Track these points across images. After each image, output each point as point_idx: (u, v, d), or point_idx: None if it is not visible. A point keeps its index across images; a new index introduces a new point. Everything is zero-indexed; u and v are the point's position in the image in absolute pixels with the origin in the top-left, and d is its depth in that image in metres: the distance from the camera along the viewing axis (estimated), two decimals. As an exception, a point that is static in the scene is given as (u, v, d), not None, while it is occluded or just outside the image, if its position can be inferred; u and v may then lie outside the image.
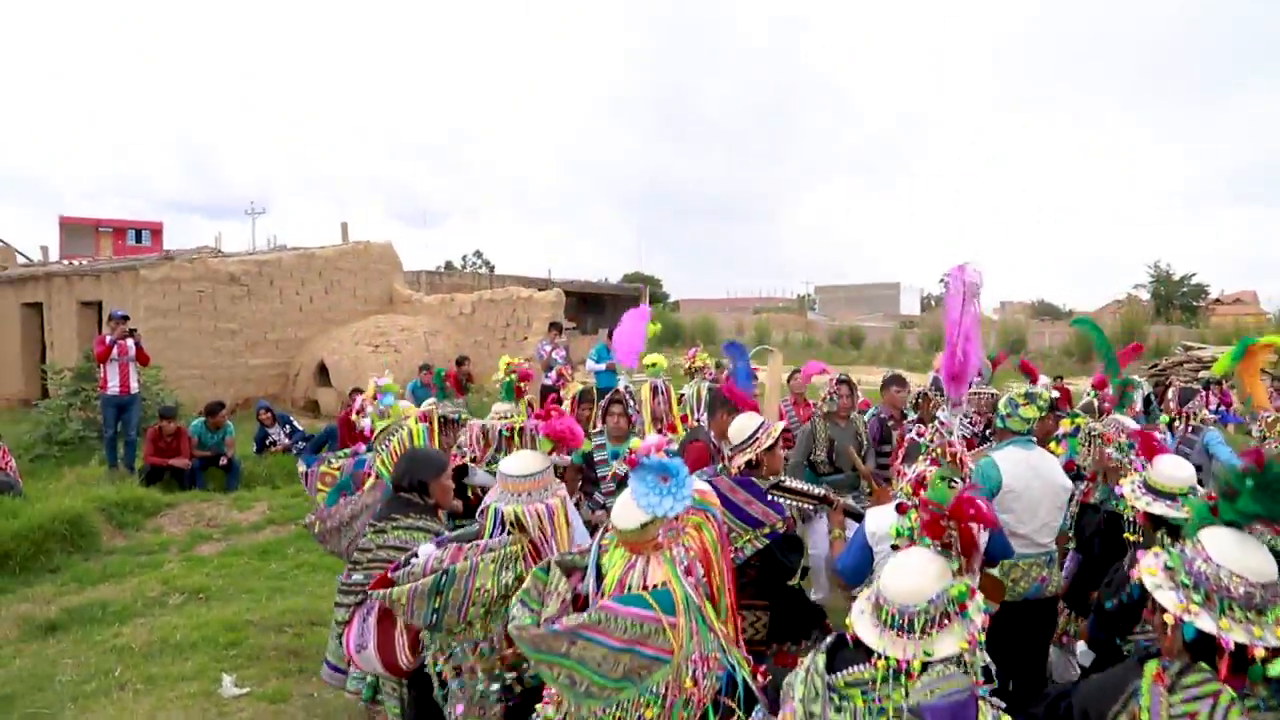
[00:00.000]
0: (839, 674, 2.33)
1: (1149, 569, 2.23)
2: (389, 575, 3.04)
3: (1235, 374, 6.71)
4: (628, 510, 2.63)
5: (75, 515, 7.71)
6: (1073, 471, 5.03)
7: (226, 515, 8.88)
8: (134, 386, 10.35)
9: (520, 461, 3.25)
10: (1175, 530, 3.40)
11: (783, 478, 4.16)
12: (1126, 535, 3.97)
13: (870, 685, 2.24)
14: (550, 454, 3.35)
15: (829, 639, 2.52)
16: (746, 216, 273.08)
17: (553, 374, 11.55)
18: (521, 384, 6.67)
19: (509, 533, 3.10)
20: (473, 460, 4.99)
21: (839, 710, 2.28)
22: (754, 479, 3.91)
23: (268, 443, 11.63)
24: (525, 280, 24.47)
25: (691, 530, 2.77)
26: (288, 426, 11.91)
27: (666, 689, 2.47)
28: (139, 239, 31.83)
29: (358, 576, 3.41)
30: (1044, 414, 4.58)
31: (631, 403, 5.72)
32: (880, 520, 3.39)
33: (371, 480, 4.45)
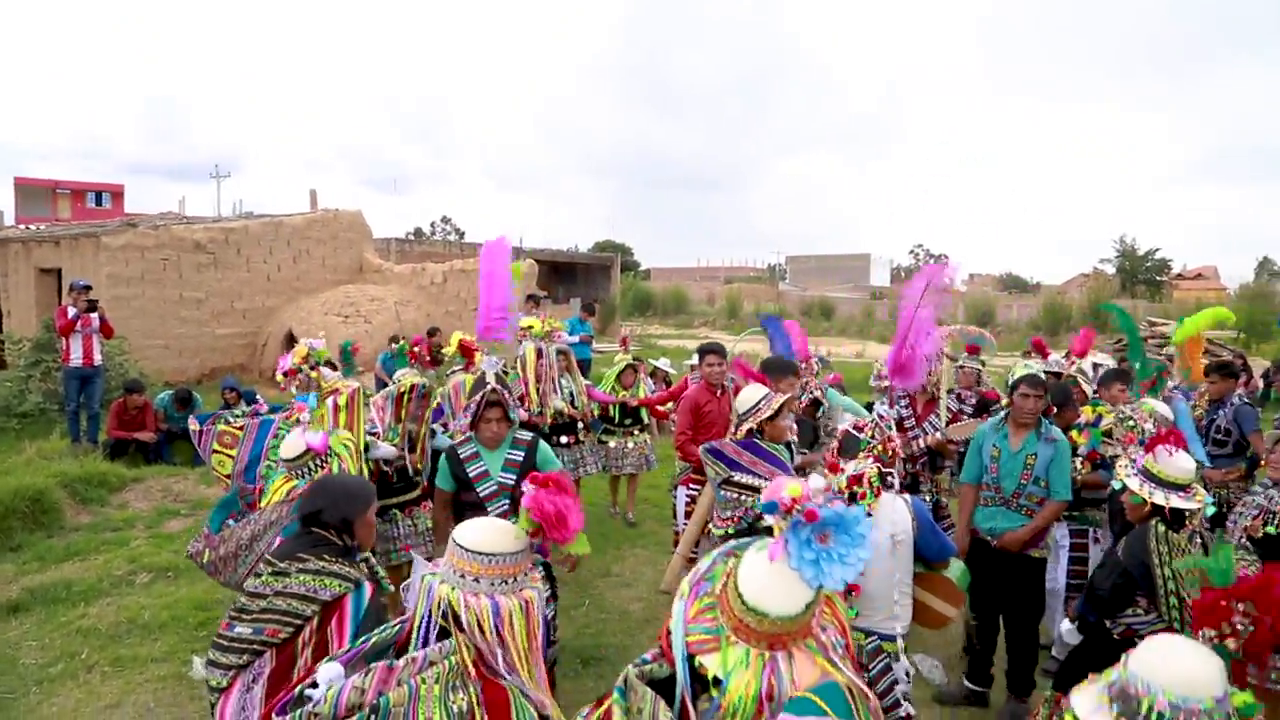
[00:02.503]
0: None
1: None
2: (274, 716, 2.11)
3: (1180, 347, 6.88)
4: (784, 585, 1.86)
5: (37, 491, 7.53)
6: (1096, 461, 5.06)
7: (194, 490, 8.75)
8: (97, 358, 10.12)
9: (481, 530, 2.22)
10: (1178, 518, 3.48)
11: (732, 474, 4.32)
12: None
13: None
14: (532, 536, 2.28)
15: None
16: (720, 186, 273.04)
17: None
18: (414, 350, 7.07)
19: (436, 624, 2.16)
20: (374, 435, 4.86)
21: None
22: (758, 443, 4.09)
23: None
24: (497, 249, 24.20)
25: (825, 600, 2.07)
26: (254, 404, 11.69)
27: None
28: (99, 201, 31.13)
29: (244, 630, 2.61)
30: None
31: (511, 399, 4.88)
32: None
33: (283, 489, 3.73)
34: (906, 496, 3.57)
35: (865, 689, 1.92)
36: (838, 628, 2.04)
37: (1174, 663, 1.86)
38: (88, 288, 10.18)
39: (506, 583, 2.17)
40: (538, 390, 7.00)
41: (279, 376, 4.66)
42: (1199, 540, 3.55)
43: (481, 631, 2.08)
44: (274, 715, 2.08)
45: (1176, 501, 3.47)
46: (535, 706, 2.12)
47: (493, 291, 6.24)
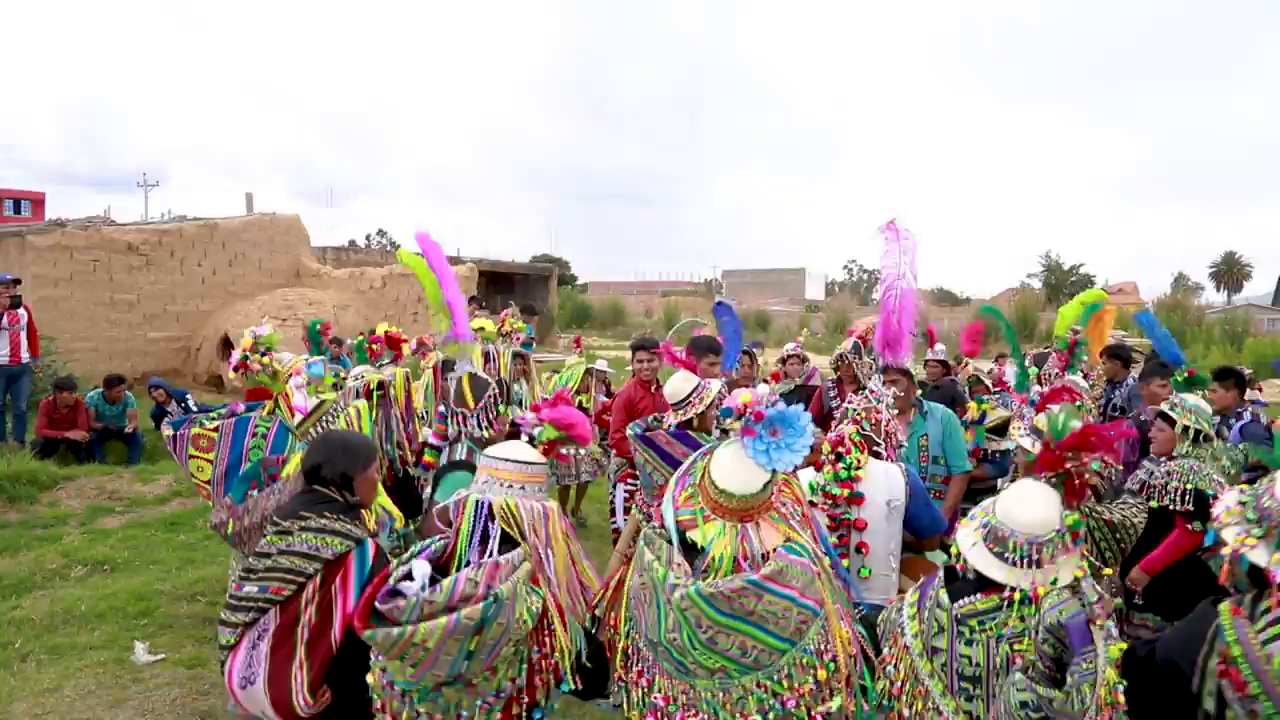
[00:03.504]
0: (956, 605, 2.37)
1: (1225, 509, 2.25)
2: (379, 606, 2.19)
3: (1086, 336, 7.20)
4: (745, 471, 2.35)
5: (-42, 489, 7.31)
6: (981, 456, 5.25)
7: (129, 488, 8.55)
8: (24, 356, 9.82)
9: (514, 447, 2.55)
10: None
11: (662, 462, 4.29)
12: None
13: (988, 615, 2.31)
14: (549, 450, 2.69)
15: (937, 575, 2.51)
16: (657, 201, 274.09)
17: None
18: (374, 346, 6.82)
19: (498, 531, 2.37)
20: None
21: (969, 643, 2.33)
22: (690, 433, 4.04)
23: (166, 419, 11.14)
24: (436, 257, 23.98)
25: (781, 484, 2.53)
26: (184, 404, 11.43)
27: (825, 645, 2.29)
28: (18, 209, 30.01)
29: (250, 589, 2.65)
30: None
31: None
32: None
33: (296, 467, 3.69)
34: (902, 465, 3.57)
35: (819, 551, 2.45)
36: (794, 500, 2.56)
37: (1028, 507, 2.36)
38: (16, 281, 9.87)
39: (541, 489, 2.48)
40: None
41: (230, 374, 4.45)
42: (1091, 497, 3.71)
43: (535, 532, 2.37)
44: (377, 603, 2.19)
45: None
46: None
47: (452, 287, 5.88)
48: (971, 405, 5.43)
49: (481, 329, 7.03)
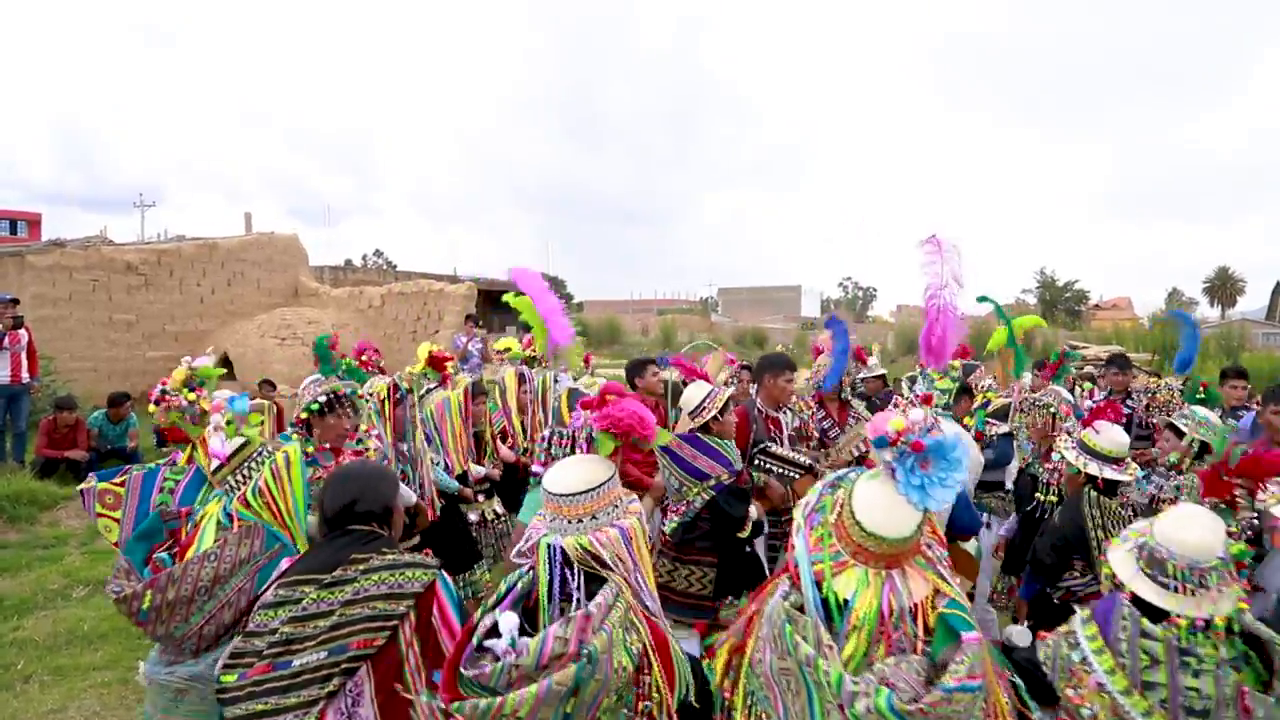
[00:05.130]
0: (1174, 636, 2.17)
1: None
2: (464, 671, 1.95)
3: (995, 353, 7.26)
4: (897, 511, 2.03)
5: (-42, 509, 7.29)
6: (981, 442, 5.33)
7: (130, 508, 8.50)
8: (24, 376, 9.81)
9: (570, 472, 2.22)
10: (1111, 489, 3.70)
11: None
12: (1037, 495, 4.28)
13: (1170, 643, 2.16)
14: (614, 457, 2.34)
15: (1117, 600, 2.31)
16: (650, 219, 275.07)
17: (468, 366, 11.50)
18: (362, 358, 6.43)
19: (580, 573, 2.12)
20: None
21: (1197, 674, 2.14)
22: (700, 437, 4.17)
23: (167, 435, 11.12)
24: (432, 277, 24.11)
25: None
26: None
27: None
28: (14, 230, 30.09)
29: (310, 658, 2.24)
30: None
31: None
32: None
33: (214, 521, 3.13)
34: None
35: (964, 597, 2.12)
36: (939, 541, 2.21)
37: (1189, 529, 2.23)
38: (14, 301, 9.87)
39: (616, 508, 2.20)
40: (522, 423, 5.95)
41: (150, 407, 3.78)
42: (1130, 510, 3.78)
43: (621, 561, 2.11)
44: (460, 668, 1.97)
45: (1110, 473, 3.70)
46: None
47: (546, 300, 5.60)
48: (977, 396, 5.55)
49: (508, 349, 6.92)
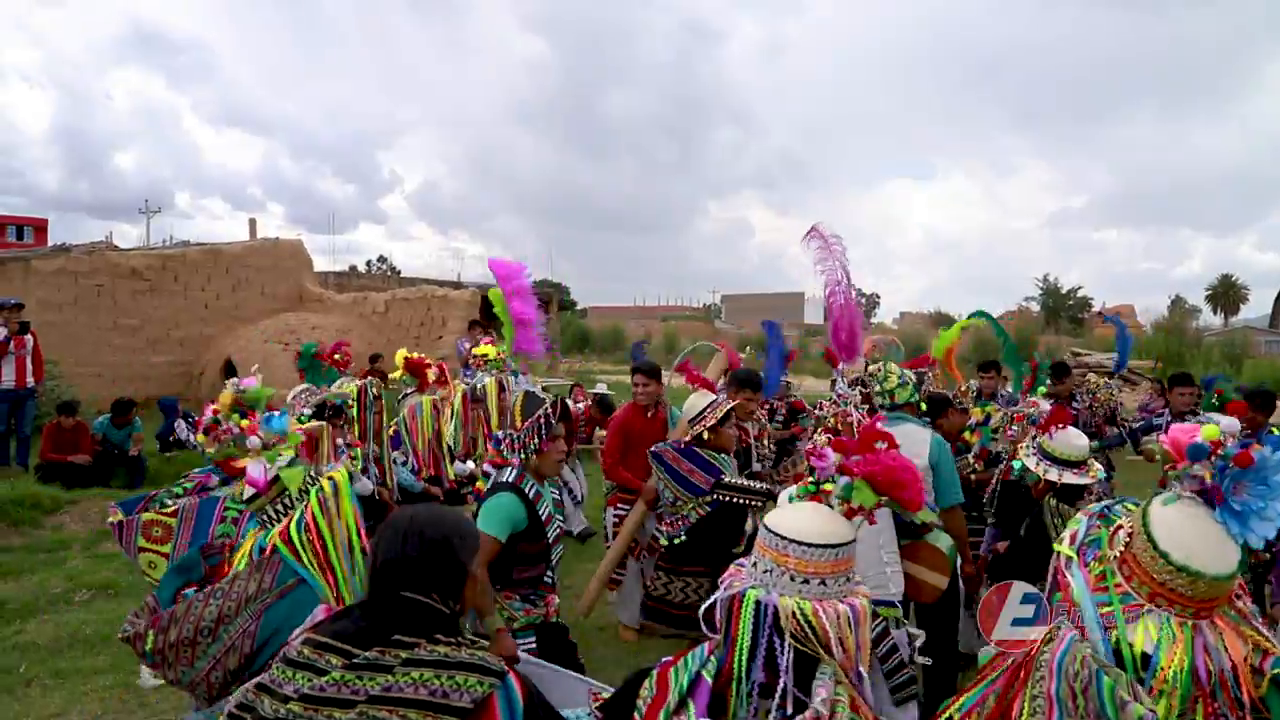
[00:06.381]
0: None
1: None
2: None
3: (940, 360, 7.33)
4: (1218, 543, 1.63)
5: (-38, 513, 7.30)
6: (987, 458, 5.32)
7: (133, 512, 8.52)
8: (29, 380, 9.84)
9: (812, 519, 1.71)
10: (1071, 493, 3.67)
11: (722, 476, 4.36)
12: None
13: None
14: (854, 515, 1.74)
15: None
16: (653, 227, 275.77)
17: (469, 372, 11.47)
18: (335, 357, 6.13)
19: (789, 649, 1.60)
20: None
21: None
22: (698, 450, 4.11)
23: (170, 439, 11.15)
24: (436, 283, 24.15)
25: None
26: (189, 418, 11.39)
27: None
28: (21, 235, 30.26)
29: None
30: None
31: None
32: None
33: (246, 557, 2.71)
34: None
35: None
36: (1240, 588, 1.77)
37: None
38: (19, 306, 9.90)
39: (849, 579, 1.70)
40: (501, 427, 5.78)
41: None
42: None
43: (844, 648, 1.61)
44: None
45: (1069, 477, 3.65)
46: None
47: (521, 301, 5.58)
48: (975, 410, 5.52)
49: (485, 355, 6.89)
